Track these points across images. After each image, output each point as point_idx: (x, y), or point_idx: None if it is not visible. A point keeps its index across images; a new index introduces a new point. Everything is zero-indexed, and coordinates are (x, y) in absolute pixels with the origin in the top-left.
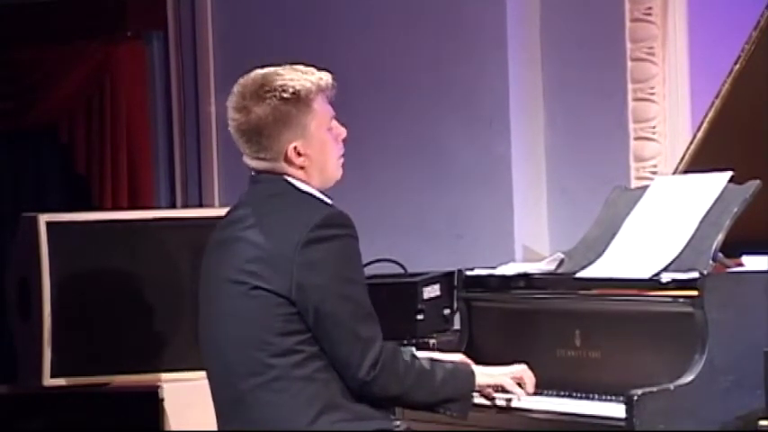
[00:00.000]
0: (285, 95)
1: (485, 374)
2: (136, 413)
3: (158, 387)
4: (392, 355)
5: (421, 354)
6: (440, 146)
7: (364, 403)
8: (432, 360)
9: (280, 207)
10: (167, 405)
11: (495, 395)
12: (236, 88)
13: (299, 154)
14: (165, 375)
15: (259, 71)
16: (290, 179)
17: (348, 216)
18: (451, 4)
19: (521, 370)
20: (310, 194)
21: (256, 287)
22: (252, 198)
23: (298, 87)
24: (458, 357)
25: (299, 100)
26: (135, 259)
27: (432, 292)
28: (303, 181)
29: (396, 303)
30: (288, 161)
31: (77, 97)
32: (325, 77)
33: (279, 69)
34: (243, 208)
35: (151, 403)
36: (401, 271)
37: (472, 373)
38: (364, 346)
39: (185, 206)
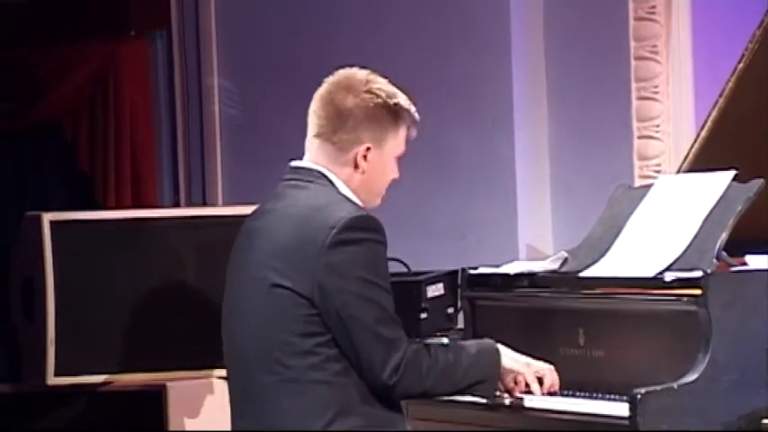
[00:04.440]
0: (388, 102)
1: (510, 358)
2: (140, 412)
3: (163, 386)
4: (415, 357)
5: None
6: (443, 145)
7: (383, 407)
8: (458, 347)
9: (312, 204)
10: (171, 404)
11: (507, 393)
12: (343, 72)
13: (365, 158)
14: (169, 374)
15: (366, 71)
16: (333, 178)
17: (377, 220)
18: (455, 4)
19: (546, 368)
20: (346, 197)
21: (278, 285)
22: (287, 190)
23: (401, 104)
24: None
25: (396, 114)
26: (139, 258)
27: (435, 290)
28: (347, 185)
29: (399, 302)
30: (354, 159)
31: (81, 96)
32: (417, 120)
33: (386, 82)
34: (276, 200)
35: (155, 402)
36: (405, 270)
37: (498, 355)
38: (387, 350)
39: (189, 205)
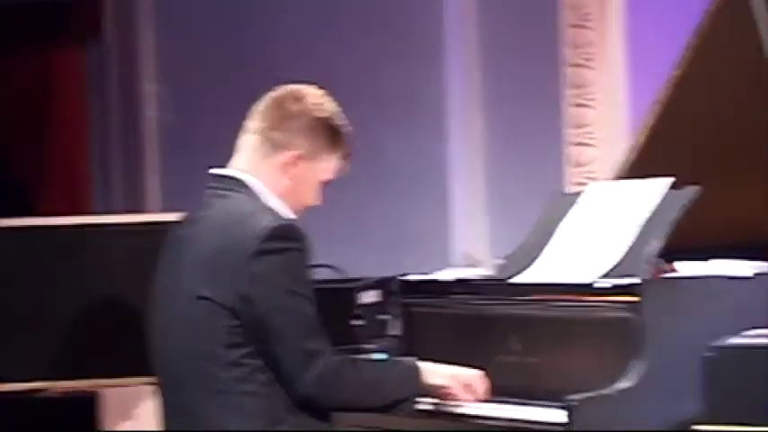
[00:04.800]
0: (332, 120)
1: (434, 374)
2: (72, 419)
3: (95, 393)
4: (336, 369)
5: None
6: (378, 152)
7: (310, 417)
8: (383, 363)
9: (236, 213)
10: (104, 410)
11: (443, 399)
12: (299, 85)
13: (295, 165)
14: (102, 381)
15: (323, 92)
16: (257, 186)
17: (300, 229)
18: (389, 11)
19: (472, 376)
20: (268, 206)
21: (202, 296)
22: (212, 199)
23: (343, 130)
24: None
25: (336, 136)
26: (71, 265)
27: (369, 297)
28: (274, 191)
29: (332, 309)
30: (284, 162)
31: (16, 103)
32: (350, 155)
33: (340, 110)
34: (201, 209)
35: (88, 409)
36: (339, 276)
37: (419, 373)
38: (307, 361)
39: (124, 212)
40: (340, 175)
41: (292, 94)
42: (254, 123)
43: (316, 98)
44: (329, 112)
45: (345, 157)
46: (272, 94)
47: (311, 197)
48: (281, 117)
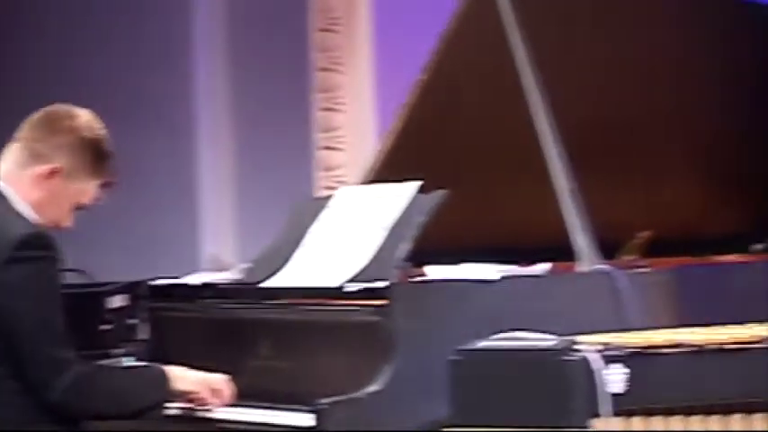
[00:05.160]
0: (101, 144)
1: (182, 379)
2: None
3: None
4: (85, 377)
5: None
6: (127, 156)
7: (63, 426)
8: (131, 370)
9: None
10: None
11: (191, 404)
12: (80, 108)
13: (50, 178)
14: None
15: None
16: (8, 192)
17: (51, 237)
18: (138, 15)
19: (219, 380)
20: (19, 213)
21: None
22: None
23: (109, 158)
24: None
25: (100, 160)
26: None
27: (118, 301)
28: (26, 198)
29: (81, 314)
30: (39, 174)
31: None
32: (110, 185)
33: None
34: None
35: None
36: (86, 281)
37: (166, 380)
38: (56, 370)
39: None
40: (95, 203)
41: (66, 111)
42: (22, 133)
43: (89, 120)
44: (98, 136)
45: (105, 185)
46: (47, 108)
47: (62, 216)
48: (49, 130)
